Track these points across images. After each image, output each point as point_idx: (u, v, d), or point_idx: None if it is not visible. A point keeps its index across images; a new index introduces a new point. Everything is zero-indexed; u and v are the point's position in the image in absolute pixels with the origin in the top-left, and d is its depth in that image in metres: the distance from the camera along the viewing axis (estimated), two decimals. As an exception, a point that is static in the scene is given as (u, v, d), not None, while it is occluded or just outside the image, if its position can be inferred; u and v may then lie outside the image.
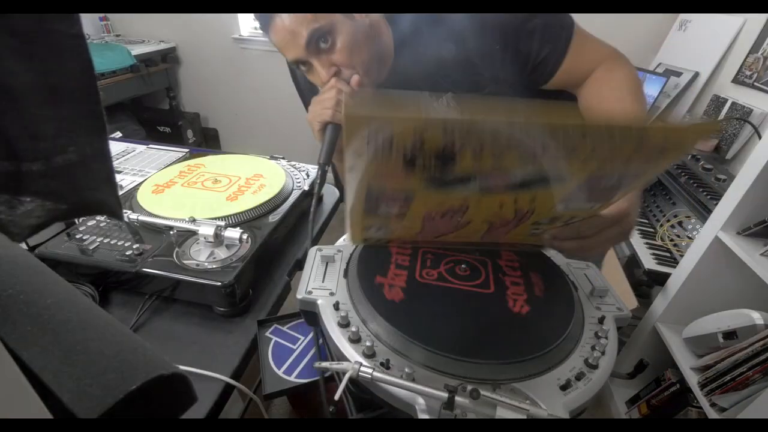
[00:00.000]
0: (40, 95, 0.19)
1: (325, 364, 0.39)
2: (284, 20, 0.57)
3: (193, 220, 0.58)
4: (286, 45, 0.59)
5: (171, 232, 0.58)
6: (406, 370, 0.36)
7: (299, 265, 0.68)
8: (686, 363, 0.97)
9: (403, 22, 0.65)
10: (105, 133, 0.22)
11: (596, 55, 0.62)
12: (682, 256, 1.06)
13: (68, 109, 0.20)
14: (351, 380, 0.39)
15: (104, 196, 0.23)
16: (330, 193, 0.91)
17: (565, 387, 0.37)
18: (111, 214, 0.23)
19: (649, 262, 1.15)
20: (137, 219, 0.59)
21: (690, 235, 1.17)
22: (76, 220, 0.61)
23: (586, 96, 0.64)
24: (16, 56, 0.18)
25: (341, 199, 0.92)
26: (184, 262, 0.54)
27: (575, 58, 0.61)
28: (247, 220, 0.64)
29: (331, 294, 0.46)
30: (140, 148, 0.92)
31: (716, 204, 0.93)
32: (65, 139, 0.20)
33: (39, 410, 0.17)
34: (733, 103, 1.39)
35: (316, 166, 0.83)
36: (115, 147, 0.91)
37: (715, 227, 0.91)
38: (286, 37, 0.58)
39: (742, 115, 1.34)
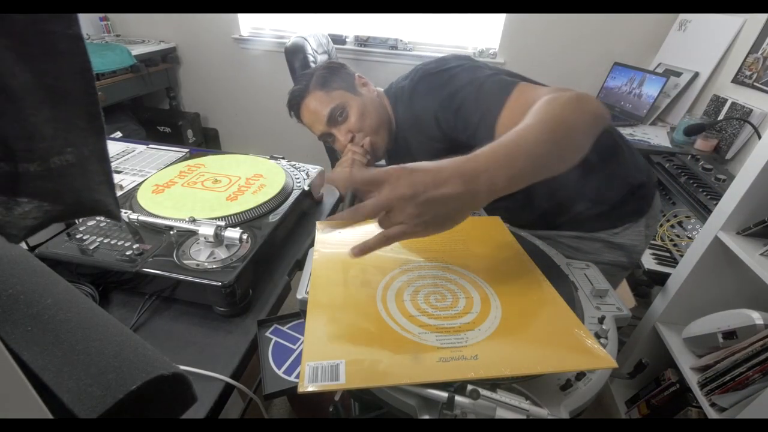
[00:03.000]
0: (38, 96, 0.19)
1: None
2: (309, 105, 0.79)
3: (193, 220, 0.58)
4: (314, 123, 0.79)
5: (171, 232, 0.58)
6: (406, 370, 0.36)
7: (299, 265, 0.68)
8: (686, 363, 0.97)
9: (392, 98, 0.81)
10: (103, 134, 0.22)
11: (529, 103, 0.52)
12: (681, 256, 1.06)
13: (66, 110, 0.20)
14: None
15: (102, 197, 0.22)
16: (330, 193, 0.91)
17: (565, 387, 0.37)
18: (108, 215, 0.23)
19: (648, 262, 1.16)
20: (137, 219, 0.59)
21: (690, 235, 1.18)
22: (76, 220, 0.61)
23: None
24: (14, 57, 0.18)
25: (341, 199, 0.92)
26: (184, 262, 0.54)
27: (510, 115, 0.57)
28: (247, 220, 0.64)
29: (331, 294, 0.46)
30: (140, 148, 0.92)
31: (716, 204, 0.93)
32: (63, 140, 0.20)
33: (39, 410, 0.17)
34: (733, 103, 1.39)
35: (316, 167, 0.84)
36: (115, 147, 0.91)
37: (714, 227, 0.91)
38: (312, 117, 0.79)
39: (741, 115, 1.34)
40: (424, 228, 0.39)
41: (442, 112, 0.67)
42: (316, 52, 1.51)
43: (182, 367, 0.24)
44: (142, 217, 0.60)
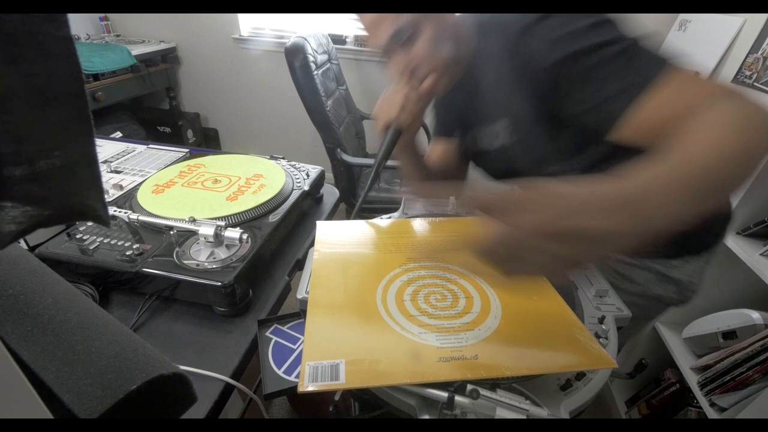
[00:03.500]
0: (26, 98, 0.19)
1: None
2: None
3: (193, 220, 0.58)
4: (372, 33, 0.58)
5: (171, 232, 0.58)
6: (406, 369, 0.36)
7: (299, 265, 0.68)
8: (686, 363, 0.97)
9: (480, 27, 0.60)
10: (92, 137, 0.22)
11: (689, 104, 0.41)
12: (681, 256, 1.06)
13: (54, 112, 0.20)
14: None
15: (90, 202, 0.22)
16: (330, 192, 0.91)
17: (565, 387, 0.37)
18: (97, 219, 0.23)
19: (648, 262, 1.15)
20: (137, 219, 0.59)
21: (690, 235, 1.18)
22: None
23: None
24: (1, 58, 0.18)
25: (341, 200, 0.92)
26: (184, 262, 0.54)
27: (659, 106, 0.43)
28: (247, 220, 0.64)
29: (331, 294, 0.46)
30: (140, 148, 0.92)
31: (716, 204, 0.93)
32: (50, 143, 0.20)
33: (39, 410, 0.17)
34: (733, 103, 1.39)
35: (316, 167, 0.84)
36: (115, 147, 0.91)
37: (714, 227, 0.91)
38: (371, 27, 0.57)
39: (741, 115, 1.34)
40: (561, 268, 0.31)
41: (567, 68, 0.48)
42: (316, 52, 1.51)
43: (182, 367, 0.24)
44: (142, 217, 0.60)
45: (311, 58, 1.43)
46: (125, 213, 0.60)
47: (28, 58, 0.18)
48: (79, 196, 0.22)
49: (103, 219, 0.23)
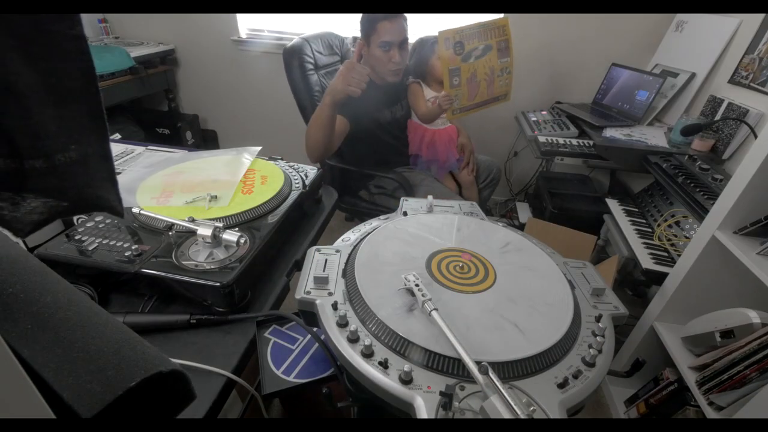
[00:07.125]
0: (42, 95, 0.19)
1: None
2: None
3: (192, 220, 0.58)
4: None
5: (170, 233, 0.58)
6: (405, 369, 0.37)
7: (298, 265, 0.68)
8: (684, 362, 0.97)
9: None
10: (106, 132, 0.22)
11: None
12: (679, 255, 1.06)
13: (70, 108, 0.21)
14: (349, 378, 0.39)
15: (105, 194, 0.23)
16: (328, 193, 0.91)
17: (562, 385, 0.38)
18: (111, 210, 0.24)
19: (646, 261, 1.16)
20: (140, 212, 0.60)
21: (687, 235, 1.18)
22: (75, 221, 0.62)
23: None
24: (19, 56, 0.18)
25: (340, 201, 0.92)
26: (183, 262, 0.54)
27: None
28: (245, 221, 0.64)
29: (330, 294, 0.46)
30: (139, 149, 0.92)
31: (713, 204, 0.93)
32: (66, 138, 0.21)
33: (41, 407, 0.18)
34: (730, 104, 1.40)
35: (315, 167, 0.85)
36: (115, 148, 0.91)
37: (711, 226, 0.91)
38: None
39: (738, 115, 1.34)
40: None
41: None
42: (320, 53, 1.51)
43: (180, 361, 0.24)
44: (144, 211, 0.60)
45: (309, 59, 1.44)
46: (132, 207, 0.61)
47: (44, 56, 0.19)
48: (94, 188, 0.22)
49: (117, 210, 0.24)
